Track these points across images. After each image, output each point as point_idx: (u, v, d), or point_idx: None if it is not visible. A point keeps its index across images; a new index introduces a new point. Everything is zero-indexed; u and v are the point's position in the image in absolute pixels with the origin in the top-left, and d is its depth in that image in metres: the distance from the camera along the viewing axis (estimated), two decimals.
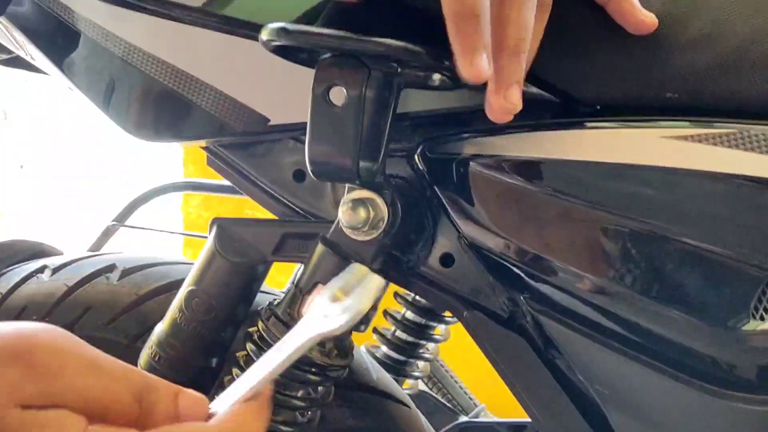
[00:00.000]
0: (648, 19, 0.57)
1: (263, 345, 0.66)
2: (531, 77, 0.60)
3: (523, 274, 0.64)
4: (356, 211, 0.62)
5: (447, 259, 0.68)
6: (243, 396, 0.48)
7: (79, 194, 2.57)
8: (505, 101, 0.53)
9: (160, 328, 0.71)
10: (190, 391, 0.47)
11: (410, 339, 0.99)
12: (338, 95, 0.55)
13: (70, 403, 0.42)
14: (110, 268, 0.88)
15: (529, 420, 1.02)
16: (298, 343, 0.50)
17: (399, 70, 0.56)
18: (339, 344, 0.67)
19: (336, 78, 0.55)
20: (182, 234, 1.40)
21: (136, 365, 0.73)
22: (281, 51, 0.57)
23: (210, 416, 0.47)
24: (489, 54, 0.51)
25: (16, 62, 0.90)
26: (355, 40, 0.53)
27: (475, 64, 0.51)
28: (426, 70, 0.57)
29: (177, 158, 2.20)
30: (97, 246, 1.13)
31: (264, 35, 0.55)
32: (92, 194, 2.42)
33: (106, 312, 0.85)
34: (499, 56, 0.52)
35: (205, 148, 0.74)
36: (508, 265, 0.64)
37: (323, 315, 0.53)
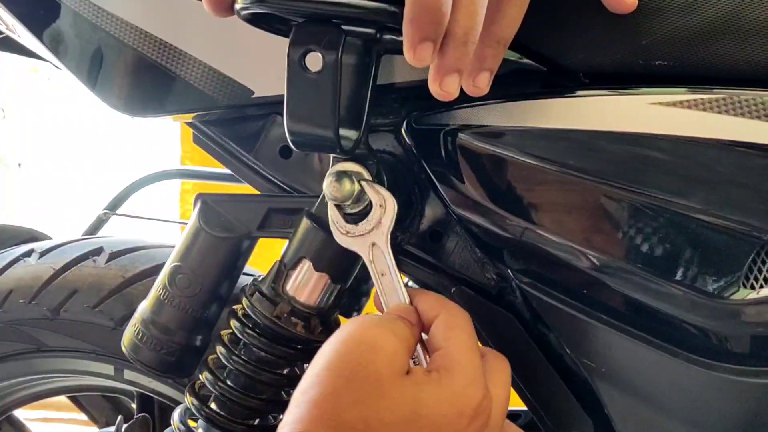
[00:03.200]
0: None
1: (248, 322, 0.65)
2: (519, 47, 0.59)
3: (512, 248, 0.63)
4: (341, 184, 0.61)
5: (435, 235, 0.67)
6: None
7: (77, 192, 2.56)
8: (439, 89, 0.53)
9: (144, 306, 0.70)
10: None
11: None
12: (314, 61, 0.54)
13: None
14: (97, 251, 0.87)
15: (524, 408, 1.01)
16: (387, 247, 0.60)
17: (378, 35, 0.55)
18: (324, 321, 0.65)
19: (311, 43, 0.54)
20: (175, 222, 1.40)
21: (121, 348, 0.72)
22: (256, 20, 0.56)
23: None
24: (437, 44, 0.50)
25: (5, 44, 0.89)
26: (328, 3, 0.52)
27: (417, 52, 0.50)
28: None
29: (175, 157, 2.20)
30: (89, 234, 1.13)
31: (238, 3, 0.54)
32: (90, 191, 2.41)
33: (93, 295, 0.85)
34: (444, 44, 0.51)
35: (191, 125, 0.73)
36: (497, 238, 0.63)
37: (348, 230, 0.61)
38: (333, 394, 0.49)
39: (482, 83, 0.55)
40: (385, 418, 0.48)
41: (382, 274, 0.60)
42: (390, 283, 0.60)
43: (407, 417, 0.49)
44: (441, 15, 0.49)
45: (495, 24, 0.53)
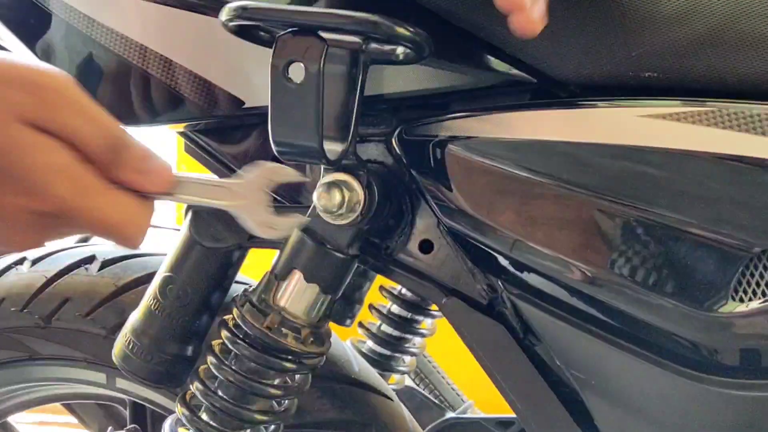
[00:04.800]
0: None
1: (239, 333, 0.65)
2: (509, 58, 0.59)
3: (502, 259, 0.63)
4: (331, 194, 0.61)
5: (426, 245, 0.67)
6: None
7: None
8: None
9: (135, 317, 0.70)
10: (159, 157, 0.51)
11: (396, 333, 0.98)
12: (297, 72, 0.54)
13: (63, 137, 0.47)
14: (90, 259, 0.87)
15: (515, 416, 1.01)
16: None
17: (363, 45, 0.55)
18: (315, 331, 0.65)
19: (293, 54, 0.53)
20: (170, 229, 1.39)
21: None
22: (243, 32, 0.56)
23: (174, 182, 0.51)
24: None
25: None
26: (308, 14, 0.52)
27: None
28: (388, 43, 0.55)
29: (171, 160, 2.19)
30: (81, 242, 1.12)
31: (223, 15, 0.54)
32: None
33: (85, 303, 0.84)
34: None
35: (182, 134, 0.73)
36: (488, 250, 0.63)
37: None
38: None
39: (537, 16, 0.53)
40: None
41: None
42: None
43: None
44: None
45: None
